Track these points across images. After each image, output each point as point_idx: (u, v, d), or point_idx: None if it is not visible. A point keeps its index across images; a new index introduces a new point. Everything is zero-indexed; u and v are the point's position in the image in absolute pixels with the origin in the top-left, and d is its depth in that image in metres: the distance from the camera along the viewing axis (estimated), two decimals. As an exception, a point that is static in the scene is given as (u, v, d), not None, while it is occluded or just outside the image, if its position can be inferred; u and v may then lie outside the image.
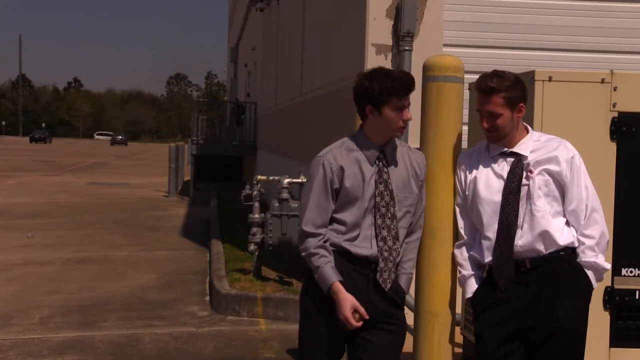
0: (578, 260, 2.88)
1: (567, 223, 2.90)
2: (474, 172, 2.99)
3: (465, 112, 3.57)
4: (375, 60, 6.01)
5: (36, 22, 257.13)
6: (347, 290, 2.76)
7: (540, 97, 3.55)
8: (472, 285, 2.98)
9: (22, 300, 6.70)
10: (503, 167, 2.92)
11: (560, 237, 2.85)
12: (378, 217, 2.82)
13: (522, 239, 2.86)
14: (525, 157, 2.90)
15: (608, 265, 2.93)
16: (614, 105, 3.60)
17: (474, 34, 6.13)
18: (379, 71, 2.83)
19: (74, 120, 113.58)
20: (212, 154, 19.44)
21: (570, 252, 2.87)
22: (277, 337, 5.62)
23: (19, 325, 5.85)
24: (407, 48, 5.88)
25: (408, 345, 3.09)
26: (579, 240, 2.88)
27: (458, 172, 3.06)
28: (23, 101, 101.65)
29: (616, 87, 3.59)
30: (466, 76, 3.18)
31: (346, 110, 6.26)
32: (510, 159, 2.92)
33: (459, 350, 3.22)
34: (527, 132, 2.98)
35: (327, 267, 2.75)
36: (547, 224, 2.84)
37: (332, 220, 2.83)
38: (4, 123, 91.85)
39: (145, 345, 5.41)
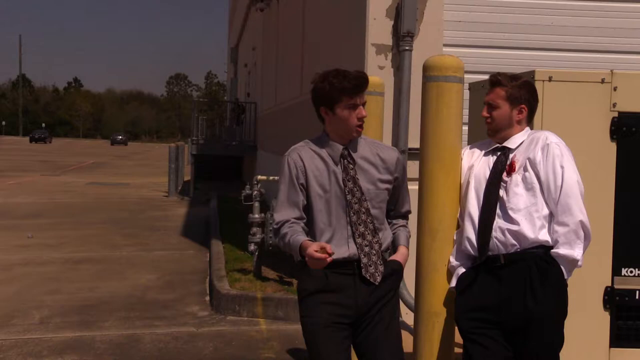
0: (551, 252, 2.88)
1: (552, 219, 2.89)
2: (472, 163, 3.09)
3: (465, 112, 3.57)
4: (375, 60, 6.01)
5: (36, 22, 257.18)
6: (333, 294, 2.79)
7: (540, 97, 3.54)
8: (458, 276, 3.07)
9: (22, 300, 6.70)
10: (493, 159, 3.01)
11: (534, 234, 2.86)
12: (352, 214, 2.84)
13: (498, 229, 2.90)
14: (512, 150, 2.97)
15: (578, 256, 2.85)
16: (614, 105, 3.60)
17: (474, 34, 6.13)
18: (331, 72, 2.85)
19: (74, 120, 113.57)
20: (212, 154, 19.45)
21: (545, 249, 2.87)
22: (277, 337, 5.62)
23: (19, 325, 5.85)
24: (407, 48, 5.88)
25: (408, 345, 3.09)
26: (553, 229, 2.88)
27: (463, 158, 3.16)
28: (23, 101, 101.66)
29: (616, 87, 3.59)
30: (466, 76, 3.18)
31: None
32: (499, 152, 3.02)
33: (459, 350, 3.22)
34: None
35: (294, 237, 2.75)
36: (522, 220, 2.86)
37: (316, 227, 2.85)
38: (4, 123, 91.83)
39: (145, 345, 5.41)
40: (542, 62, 5.83)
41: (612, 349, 3.68)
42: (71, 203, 15.48)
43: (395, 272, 2.94)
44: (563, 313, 2.92)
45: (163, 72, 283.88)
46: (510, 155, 2.97)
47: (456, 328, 3.14)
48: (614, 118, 3.61)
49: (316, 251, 2.61)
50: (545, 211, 2.89)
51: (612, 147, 3.62)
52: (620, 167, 3.61)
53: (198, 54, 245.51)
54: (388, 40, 6.00)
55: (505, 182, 2.93)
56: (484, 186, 2.98)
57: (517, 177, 2.92)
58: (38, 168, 28.59)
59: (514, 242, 2.87)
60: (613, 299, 3.66)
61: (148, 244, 10.10)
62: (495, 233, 2.89)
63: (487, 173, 2.99)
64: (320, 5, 8.55)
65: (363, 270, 2.83)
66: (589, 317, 3.63)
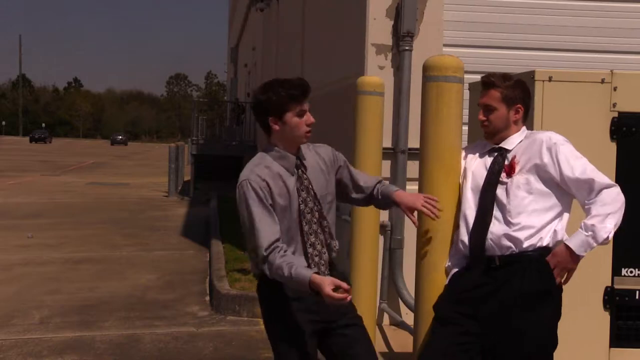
0: (586, 213, 2.81)
1: (554, 222, 2.87)
2: (469, 163, 3.07)
3: (465, 112, 3.57)
4: (375, 60, 6.01)
5: (36, 22, 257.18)
6: (294, 302, 2.80)
7: (540, 97, 3.55)
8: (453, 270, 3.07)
9: (22, 300, 6.69)
10: (490, 161, 2.99)
11: (531, 238, 2.83)
12: (304, 224, 2.84)
13: (493, 232, 2.88)
14: (509, 151, 2.95)
15: (607, 234, 2.78)
16: (614, 105, 3.60)
17: (474, 34, 6.13)
18: (272, 82, 2.83)
19: (74, 120, 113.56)
20: (212, 154, 19.44)
21: (541, 251, 2.84)
22: (277, 337, 5.63)
23: (19, 325, 5.85)
24: (407, 48, 5.88)
25: (408, 345, 3.09)
26: (586, 203, 2.81)
27: (461, 162, 3.14)
28: (23, 101, 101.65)
29: (616, 87, 3.59)
30: (466, 76, 3.18)
31: (346, 110, 6.26)
32: (496, 153, 3.00)
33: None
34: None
35: (297, 270, 2.66)
36: (521, 223, 2.84)
37: None
38: (4, 123, 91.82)
39: (145, 345, 5.41)
40: (541, 62, 5.82)
41: (612, 349, 3.68)
42: (71, 203, 15.48)
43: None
44: (556, 315, 2.90)
45: (163, 72, 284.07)
46: (509, 156, 2.95)
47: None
48: (614, 118, 3.61)
49: (334, 291, 2.54)
50: (548, 216, 2.86)
51: (612, 147, 3.62)
52: (620, 167, 3.61)
53: (198, 54, 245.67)
54: (388, 40, 6.00)
55: (505, 184, 2.90)
56: (480, 187, 2.96)
57: (518, 179, 2.89)
58: (38, 168, 28.59)
59: (509, 244, 2.85)
60: (613, 299, 3.66)
61: (148, 244, 10.10)
62: (492, 235, 2.87)
63: (484, 174, 2.97)
64: (320, 5, 8.55)
65: None
66: (589, 317, 3.63)
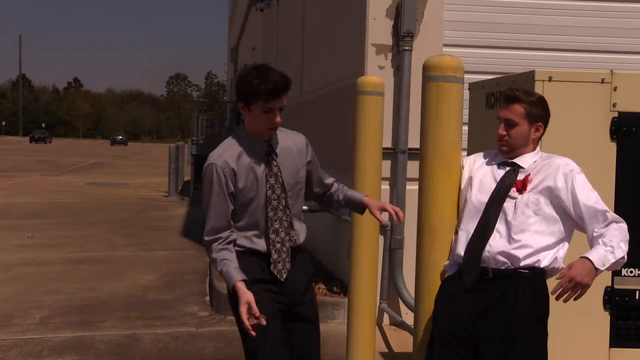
0: (595, 240, 2.76)
1: (554, 246, 2.83)
2: (476, 170, 3.03)
3: (465, 112, 3.57)
4: (375, 60, 6.01)
5: (36, 22, 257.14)
6: (260, 280, 2.87)
7: (540, 97, 3.55)
8: (449, 272, 3.04)
9: (22, 300, 6.69)
10: (500, 173, 2.95)
11: (528, 258, 2.80)
12: (270, 210, 2.89)
13: (492, 245, 2.84)
14: (523, 168, 2.90)
15: (623, 253, 2.72)
16: (614, 105, 3.60)
17: (474, 34, 6.13)
18: (256, 69, 2.82)
19: (74, 120, 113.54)
20: (212, 154, 19.41)
21: (536, 273, 2.81)
22: (277, 337, 5.63)
23: (19, 325, 5.85)
24: (407, 48, 5.88)
25: (408, 345, 3.09)
26: (596, 231, 2.76)
27: (464, 166, 3.11)
28: (23, 101, 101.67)
29: (616, 87, 3.59)
30: (466, 76, 3.18)
31: (346, 110, 6.26)
32: (508, 167, 2.94)
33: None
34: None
35: (229, 269, 2.80)
36: (522, 241, 2.80)
37: (236, 221, 2.90)
38: (4, 123, 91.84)
39: (145, 345, 5.41)
40: (542, 62, 5.83)
41: (612, 349, 3.68)
42: (71, 203, 15.48)
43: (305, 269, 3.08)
44: (544, 326, 2.87)
45: (163, 72, 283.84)
46: (522, 173, 2.89)
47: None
48: (614, 118, 3.61)
49: (246, 316, 2.71)
50: (549, 240, 2.82)
51: (612, 147, 3.62)
52: (620, 167, 3.61)
53: (198, 54, 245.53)
54: (388, 40, 6.00)
55: (514, 199, 2.85)
56: (485, 198, 2.92)
57: (528, 197, 2.84)
58: (38, 168, 28.58)
59: (505, 260, 2.82)
60: (613, 299, 3.66)
61: (148, 244, 10.10)
62: (490, 247, 2.83)
63: (492, 186, 2.92)
64: (320, 5, 8.55)
65: (272, 265, 2.91)
66: (589, 317, 3.63)
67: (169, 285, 7.47)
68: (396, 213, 3.03)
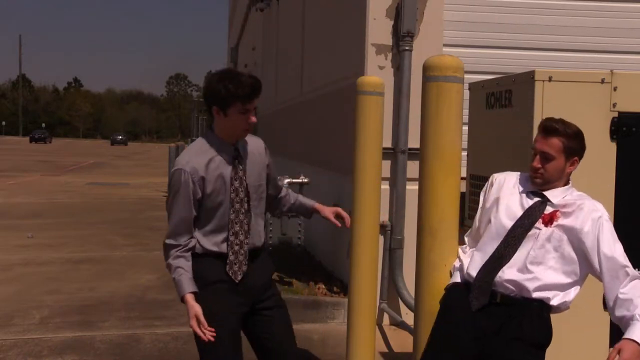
0: (622, 305, 2.70)
1: (566, 288, 2.81)
2: (505, 193, 2.97)
3: (465, 112, 3.57)
4: (375, 60, 6.01)
5: (36, 22, 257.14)
6: (222, 280, 2.97)
7: (540, 97, 3.55)
8: (455, 278, 3.01)
9: (22, 300, 6.69)
10: (529, 202, 2.89)
11: (537, 290, 2.78)
12: (232, 212, 2.98)
13: (506, 271, 2.82)
14: (551, 203, 2.85)
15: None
16: (614, 105, 3.60)
17: (474, 34, 6.13)
18: (228, 73, 2.96)
19: (74, 120, 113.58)
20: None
21: (543, 305, 2.80)
22: (277, 337, 5.63)
23: (19, 325, 5.85)
24: (407, 48, 5.88)
25: (408, 345, 3.09)
26: (621, 293, 2.70)
27: (491, 183, 3.06)
28: (23, 101, 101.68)
29: (616, 87, 3.59)
30: (466, 76, 3.17)
31: (346, 110, 6.26)
32: (537, 198, 2.88)
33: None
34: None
35: (181, 279, 2.92)
36: (535, 272, 2.79)
37: (203, 226, 2.99)
38: (4, 123, 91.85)
39: (145, 345, 5.41)
40: (542, 62, 5.83)
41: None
42: (71, 203, 15.48)
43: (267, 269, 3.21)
44: (543, 353, 2.86)
45: (163, 72, 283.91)
46: (550, 207, 2.84)
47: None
48: (614, 118, 3.61)
49: (197, 327, 2.86)
50: (563, 279, 2.80)
51: (612, 147, 3.62)
52: (620, 167, 3.61)
53: (198, 54, 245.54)
54: (388, 40, 6.00)
55: (538, 230, 2.81)
56: (510, 224, 2.86)
57: (552, 232, 2.80)
58: (38, 168, 28.58)
59: (514, 288, 2.80)
60: (613, 299, 3.65)
61: (148, 244, 10.09)
62: (503, 273, 2.81)
63: (518, 213, 2.87)
64: (320, 5, 8.55)
65: (227, 267, 2.99)
66: (589, 317, 3.63)
67: (169, 285, 7.45)
68: (346, 220, 3.40)
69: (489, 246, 2.89)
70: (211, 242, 2.98)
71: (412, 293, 3.18)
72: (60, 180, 22.46)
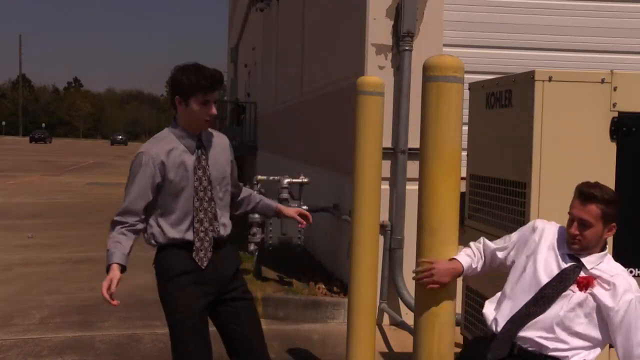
0: None
1: (587, 349, 2.82)
2: (543, 244, 2.96)
3: (465, 112, 3.57)
4: (375, 60, 6.01)
5: (36, 22, 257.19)
6: (187, 271, 3.06)
7: (540, 97, 3.55)
8: (461, 257, 3.07)
9: (22, 300, 6.69)
10: (564, 265, 2.88)
11: (558, 350, 2.79)
12: (196, 200, 3.08)
13: (531, 327, 2.83)
14: (585, 269, 2.84)
15: None
16: (614, 105, 3.60)
17: (474, 34, 6.13)
18: (191, 66, 3.06)
19: (74, 120, 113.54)
20: (212, 154, 19.38)
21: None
22: (277, 337, 5.61)
23: (19, 325, 5.85)
24: (407, 48, 5.88)
25: (408, 345, 3.09)
26: None
27: (533, 228, 3.04)
28: (23, 101, 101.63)
29: (616, 87, 3.59)
30: (466, 76, 3.17)
31: (346, 110, 6.26)
32: (572, 263, 2.87)
33: (458, 350, 3.22)
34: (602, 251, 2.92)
35: (115, 251, 3.02)
36: (560, 335, 2.80)
37: (168, 215, 3.08)
38: (4, 123, 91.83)
39: (145, 345, 5.41)
40: (542, 62, 5.83)
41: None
42: (71, 203, 15.48)
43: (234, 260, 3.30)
44: None
45: (163, 72, 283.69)
46: (585, 272, 2.83)
47: (457, 328, 3.14)
48: (614, 118, 3.61)
49: (106, 289, 2.92)
50: (583, 343, 2.80)
51: (612, 147, 3.62)
52: (620, 167, 3.61)
53: (198, 54, 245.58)
54: (388, 40, 6.00)
55: (572, 293, 2.80)
56: (545, 280, 2.85)
57: (586, 298, 2.79)
58: (38, 168, 28.58)
59: (534, 345, 2.81)
60: (613, 299, 3.65)
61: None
62: (527, 328, 2.82)
63: (554, 272, 2.86)
64: (320, 5, 8.55)
65: (194, 253, 3.08)
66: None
67: (169, 285, 7.46)
68: (309, 218, 3.57)
69: (520, 299, 2.89)
70: (176, 231, 3.07)
71: (412, 293, 3.18)
72: (60, 180, 22.46)
